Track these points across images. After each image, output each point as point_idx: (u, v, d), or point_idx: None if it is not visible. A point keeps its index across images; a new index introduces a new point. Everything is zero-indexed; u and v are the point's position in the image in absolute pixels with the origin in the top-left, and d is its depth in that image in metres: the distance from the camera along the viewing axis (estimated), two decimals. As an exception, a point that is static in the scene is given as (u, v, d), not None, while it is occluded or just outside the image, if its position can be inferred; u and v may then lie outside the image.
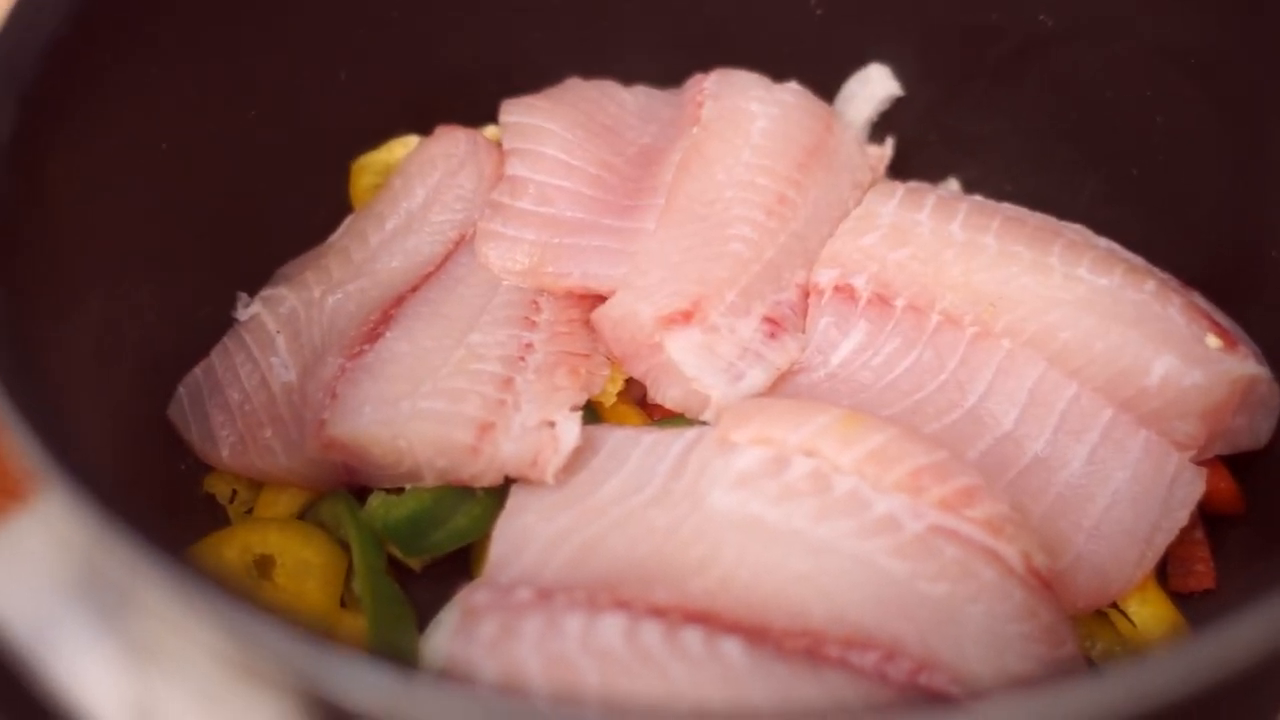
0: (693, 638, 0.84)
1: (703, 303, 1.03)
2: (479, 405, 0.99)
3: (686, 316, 1.02)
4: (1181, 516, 0.99)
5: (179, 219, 1.05)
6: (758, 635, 0.85)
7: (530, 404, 1.00)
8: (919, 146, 1.25)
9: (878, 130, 1.26)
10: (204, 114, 1.05)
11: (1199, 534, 1.04)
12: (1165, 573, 1.03)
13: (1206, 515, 1.04)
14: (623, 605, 0.86)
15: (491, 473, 0.98)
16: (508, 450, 0.97)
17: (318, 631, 0.63)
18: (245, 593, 0.64)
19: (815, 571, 0.89)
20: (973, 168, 1.25)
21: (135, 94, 0.98)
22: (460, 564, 1.04)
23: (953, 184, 1.25)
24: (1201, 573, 1.03)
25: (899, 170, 1.23)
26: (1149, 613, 0.98)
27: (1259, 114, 1.04)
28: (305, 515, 1.07)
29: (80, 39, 0.91)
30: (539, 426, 0.98)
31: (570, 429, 0.98)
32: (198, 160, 1.06)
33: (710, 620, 0.86)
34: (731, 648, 0.84)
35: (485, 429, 0.98)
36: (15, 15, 0.89)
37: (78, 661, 0.66)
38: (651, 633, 0.84)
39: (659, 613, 0.86)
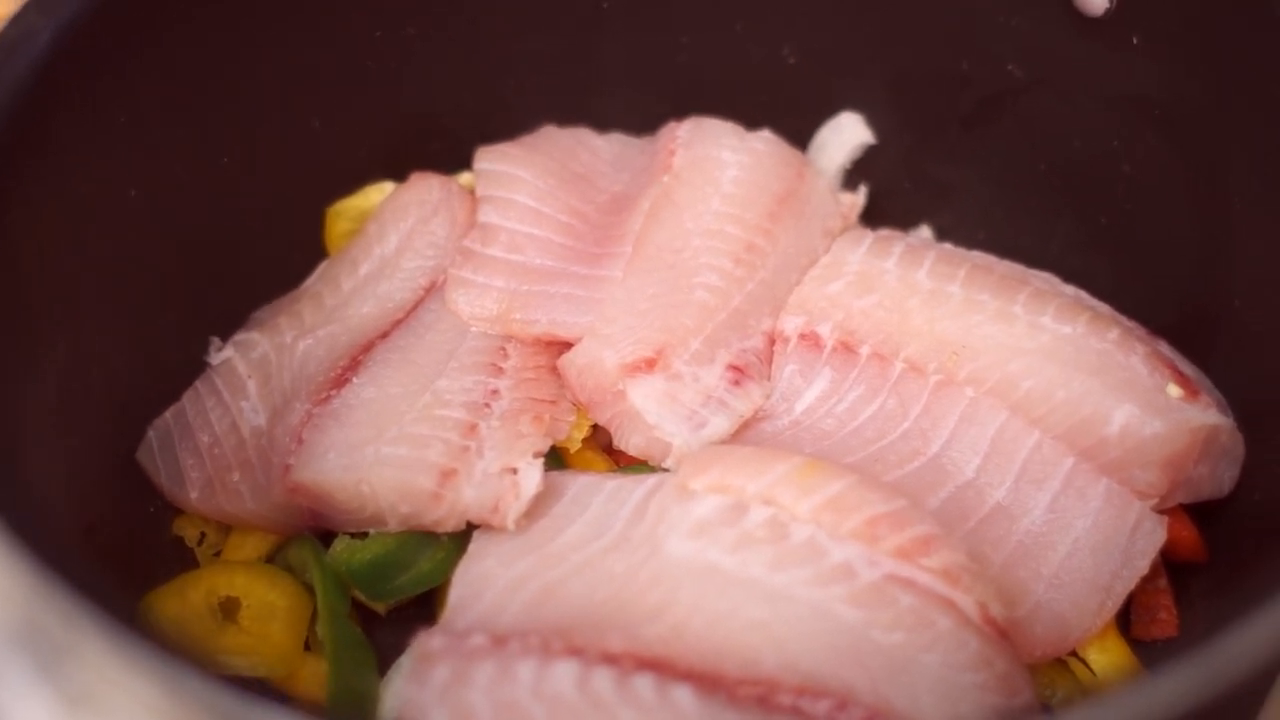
0: (644, 685, 0.85)
1: (666, 351, 1.04)
2: (442, 451, 0.99)
3: (650, 364, 1.03)
4: (1142, 565, 0.99)
5: (149, 265, 1.06)
6: (710, 683, 0.85)
7: (493, 450, 1.01)
8: (892, 193, 1.26)
9: (851, 177, 1.27)
10: (175, 162, 1.07)
11: (1162, 581, 1.04)
12: (1128, 619, 1.03)
13: (1170, 563, 1.04)
14: (576, 652, 0.86)
15: (454, 518, 0.99)
16: (469, 496, 0.98)
17: (254, 691, 0.64)
18: (183, 650, 0.65)
19: (770, 619, 0.89)
20: (945, 214, 1.26)
21: (102, 143, 1.00)
22: (426, 607, 1.05)
23: (925, 231, 1.26)
24: (1164, 620, 1.03)
25: (872, 217, 1.24)
26: (1108, 661, 0.98)
27: (1222, 166, 1.04)
28: (273, 558, 1.07)
29: (46, 88, 0.93)
30: (501, 473, 0.99)
31: (531, 476, 0.98)
32: (168, 207, 1.07)
33: (663, 667, 0.86)
34: (683, 695, 0.84)
35: (447, 475, 0.98)
36: (-22, 64, 0.91)
37: (13, 709, 0.66)
38: (603, 679, 0.85)
39: (612, 659, 0.86)
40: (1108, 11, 1.07)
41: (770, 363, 1.09)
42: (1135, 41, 1.07)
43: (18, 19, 0.92)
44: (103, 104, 0.99)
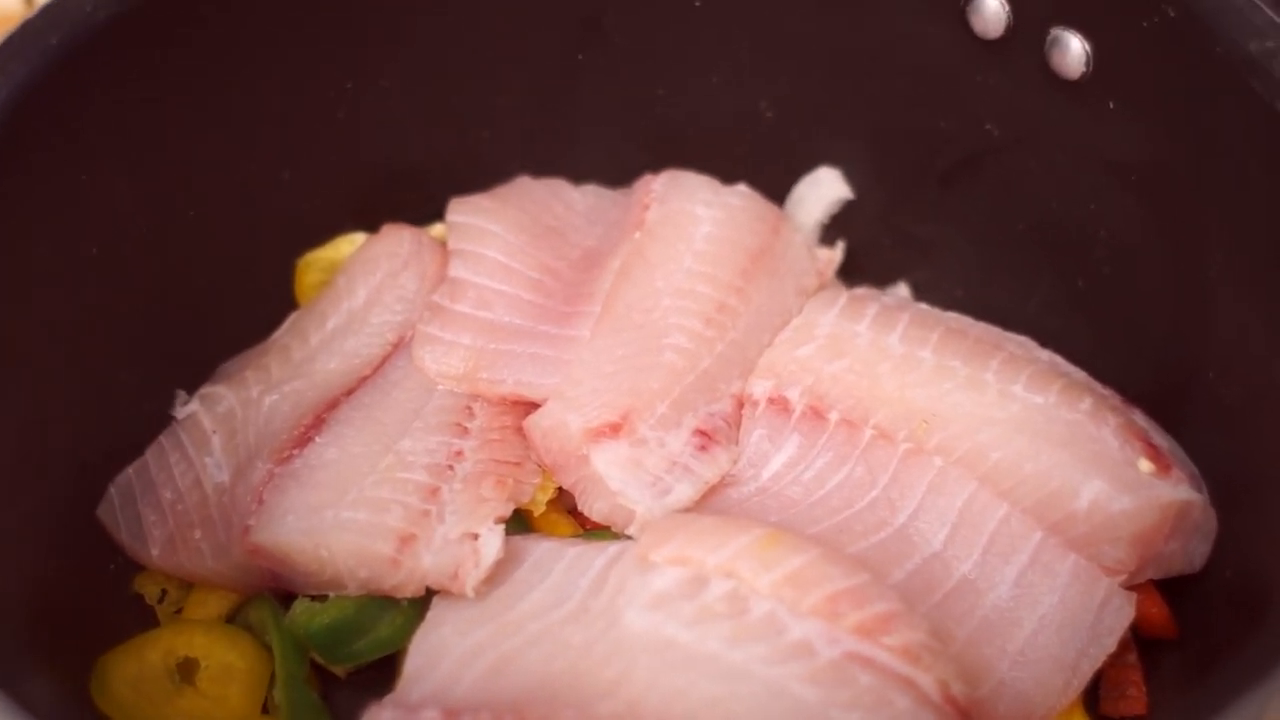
0: (594, 765, 0.84)
1: (632, 415, 1.03)
2: (401, 516, 0.98)
3: (614, 429, 1.02)
4: (1109, 643, 0.97)
5: (113, 320, 1.06)
6: (662, 763, 0.84)
7: (454, 515, 0.99)
8: (870, 250, 1.24)
9: (830, 232, 1.26)
10: (139, 218, 1.06)
11: (1131, 658, 1.02)
12: (1097, 695, 1.02)
13: (1140, 639, 1.03)
14: (527, 729, 0.85)
15: (412, 584, 0.98)
16: (428, 563, 0.97)
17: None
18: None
19: (726, 697, 0.88)
20: (924, 271, 1.25)
21: (62, 202, 0.99)
22: (387, 670, 1.03)
23: (902, 288, 1.25)
24: (1134, 697, 1.01)
25: (850, 272, 1.23)
26: (1073, 740, 0.97)
27: (1198, 235, 1.03)
28: (234, 617, 1.06)
29: (2, 148, 0.92)
30: (461, 539, 0.98)
31: (492, 543, 0.97)
32: (132, 262, 1.06)
33: (614, 747, 0.85)
34: (633, 776, 0.83)
35: (406, 540, 0.97)
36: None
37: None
38: (552, 759, 0.84)
39: (563, 738, 0.85)
40: (1084, 75, 1.05)
41: (738, 427, 1.08)
42: (1112, 106, 1.05)
43: (-27, 80, 0.92)
44: (62, 163, 0.98)
